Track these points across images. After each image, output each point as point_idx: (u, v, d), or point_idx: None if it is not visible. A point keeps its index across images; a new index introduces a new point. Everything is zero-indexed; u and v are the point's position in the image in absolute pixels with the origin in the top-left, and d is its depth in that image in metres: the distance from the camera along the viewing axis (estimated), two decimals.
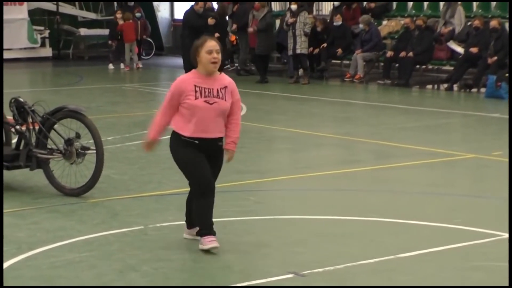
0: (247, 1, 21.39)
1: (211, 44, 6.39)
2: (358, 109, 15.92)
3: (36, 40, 25.94)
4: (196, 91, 6.34)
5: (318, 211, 7.78)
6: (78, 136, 8.33)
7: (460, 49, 18.27)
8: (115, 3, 27.84)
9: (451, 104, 16.13)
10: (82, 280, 5.80)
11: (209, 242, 6.39)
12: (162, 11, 28.82)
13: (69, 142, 8.32)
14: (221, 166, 6.61)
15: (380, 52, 19.78)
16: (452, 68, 18.42)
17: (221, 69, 6.76)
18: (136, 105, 16.32)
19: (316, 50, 20.15)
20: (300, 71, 19.68)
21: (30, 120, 8.56)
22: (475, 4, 20.09)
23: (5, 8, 24.57)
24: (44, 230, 7.08)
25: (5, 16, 24.30)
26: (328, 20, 21.18)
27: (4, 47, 24.40)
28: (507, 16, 18.36)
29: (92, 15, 27.87)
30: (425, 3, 21.14)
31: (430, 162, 10.11)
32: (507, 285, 5.63)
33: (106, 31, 25.39)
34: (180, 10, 26.14)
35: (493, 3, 19.72)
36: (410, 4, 21.52)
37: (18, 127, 8.54)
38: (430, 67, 19.66)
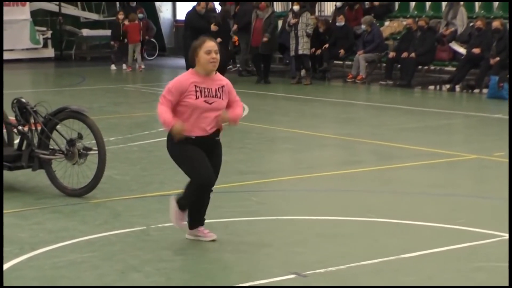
0: (248, 1, 21.41)
1: (210, 44, 6.44)
2: (360, 109, 15.92)
3: (38, 41, 25.97)
4: (196, 91, 6.39)
5: (320, 211, 7.78)
6: (80, 136, 8.34)
7: (462, 50, 18.27)
8: (117, 4, 27.87)
9: (453, 105, 16.13)
10: (84, 280, 5.81)
11: (206, 234, 6.62)
12: (164, 11, 28.84)
13: (71, 142, 8.33)
14: (220, 163, 6.63)
15: (382, 53, 19.77)
16: (454, 69, 18.41)
17: (223, 71, 6.78)
18: (138, 105, 16.33)
19: (318, 51, 20.15)
20: (302, 72, 19.69)
21: (32, 120, 8.57)
22: (477, 4, 20.09)
23: (7, 9, 24.61)
24: (47, 230, 7.09)
25: (7, 17, 24.33)
26: (330, 21, 21.20)
27: (7, 47, 24.44)
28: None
29: (94, 16, 27.90)
30: (427, 4, 21.14)
31: (432, 162, 10.11)
32: (508, 285, 5.63)
33: (108, 32, 25.40)
34: (182, 10, 26.17)
35: (495, 4, 19.71)
36: (412, 4, 21.52)
37: (20, 127, 8.55)
38: (432, 68, 19.65)
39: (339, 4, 21.29)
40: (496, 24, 17.31)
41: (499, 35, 17.07)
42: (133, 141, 11.53)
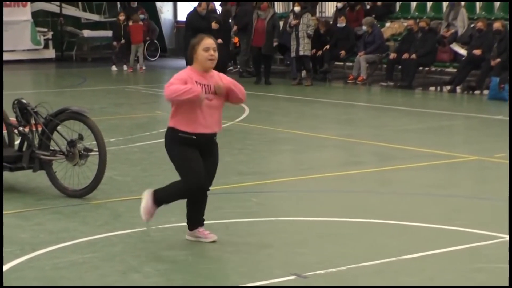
0: (249, 1, 21.42)
1: (208, 42, 6.47)
2: (361, 111, 15.93)
3: (39, 41, 25.99)
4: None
5: (321, 212, 7.78)
6: (81, 137, 8.34)
7: (463, 51, 18.28)
8: (118, 5, 27.88)
9: (454, 106, 16.13)
10: (85, 281, 5.81)
11: (208, 234, 6.63)
12: (165, 12, 28.86)
13: (72, 143, 8.33)
14: (217, 163, 6.64)
15: (383, 54, 19.79)
16: (455, 70, 18.43)
17: (224, 71, 6.80)
18: (139, 106, 16.34)
19: (319, 52, 20.17)
20: (303, 73, 19.70)
21: (33, 121, 8.57)
22: (478, 6, 20.09)
23: (8, 9, 24.64)
24: (47, 231, 7.09)
25: (8, 18, 24.36)
26: (331, 22, 21.21)
27: (8, 48, 24.47)
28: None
29: (95, 17, 27.92)
30: (428, 5, 21.15)
31: (432, 164, 10.11)
32: (508, 285, 5.63)
33: (109, 33, 25.44)
34: (183, 11, 26.19)
35: (496, 5, 19.72)
36: (413, 6, 21.53)
37: (21, 128, 8.55)
38: (433, 69, 19.66)
39: (340, 5, 21.30)
40: (497, 25, 17.32)
41: (500, 36, 17.07)
42: (134, 142, 11.54)
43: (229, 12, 21.89)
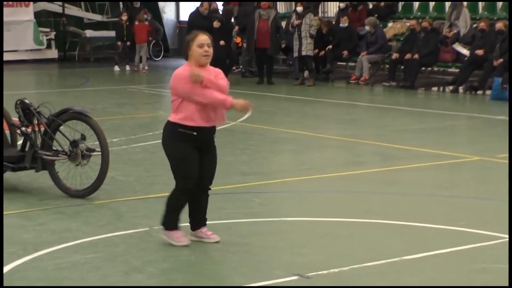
0: (249, 1, 21.43)
1: (203, 38, 6.48)
2: (363, 111, 15.92)
3: (42, 41, 26.00)
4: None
5: (323, 213, 7.78)
6: (83, 137, 8.34)
7: (465, 51, 18.27)
8: (121, 5, 27.90)
9: (456, 106, 16.12)
10: (87, 281, 5.81)
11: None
12: (168, 12, 28.86)
13: (74, 143, 8.33)
14: (215, 161, 6.62)
15: (386, 54, 19.78)
16: (457, 70, 18.41)
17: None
18: (141, 107, 16.35)
19: (322, 52, 20.15)
20: (306, 73, 19.70)
21: (35, 121, 8.57)
22: (480, 6, 20.08)
23: (11, 9, 24.66)
24: (50, 231, 7.09)
25: (11, 18, 24.38)
26: (334, 22, 21.20)
27: (10, 48, 24.50)
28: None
29: (98, 17, 27.92)
30: (431, 5, 21.14)
31: (435, 164, 10.11)
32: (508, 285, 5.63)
33: (112, 33, 25.46)
34: (186, 11, 26.19)
35: (499, 5, 19.70)
36: (416, 6, 21.52)
37: (23, 128, 8.56)
38: (435, 69, 19.65)
39: (342, 5, 21.29)
40: (499, 25, 17.30)
41: (502, 37, 17.06)
42: (136, 142, 11.54)
43: (231, 12, 21.89)
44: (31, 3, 25.67)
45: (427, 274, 5.95)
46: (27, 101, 8.61)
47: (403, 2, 21.98)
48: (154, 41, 26.03)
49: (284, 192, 8.84)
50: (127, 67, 23.24)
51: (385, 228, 7.23)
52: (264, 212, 7.86)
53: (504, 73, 16.46)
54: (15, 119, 8.87)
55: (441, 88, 18.77)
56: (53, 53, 26.58)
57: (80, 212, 7.77)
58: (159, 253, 6.45)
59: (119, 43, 23.20)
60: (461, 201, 8.30)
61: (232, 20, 21.63)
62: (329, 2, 24.19)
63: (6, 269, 6.01)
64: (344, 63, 21.39)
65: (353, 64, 20.51)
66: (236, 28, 21.24)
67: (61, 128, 8.55)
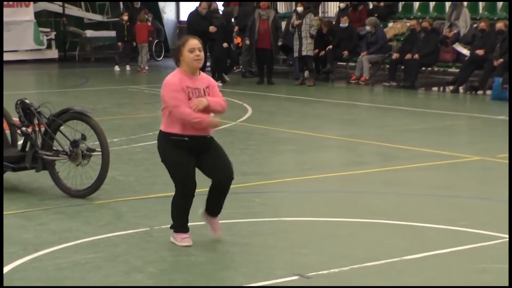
0: (249, 1, 21.42)
1: (193, 42, 6.48)
2: (364, 111, 15.92)
3: (42, 42, 26.01)
4: (188, 92, 6.42)
5: (323, 213, 7.78)
6: (83, 137, 8.34)
7: (466, 51, 18.27)
8: (121, 5, 27.90)
9: (456, 106, 16.11)
10: (88, 281, 5.81)
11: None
12: (168, 13, 28.87)
13: (74, 143, 8.33)
14: (220, 154, 6.60)
15: (386, 54, 19.78)
16: (458, 70, 18.41)
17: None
18: (141, 106, 16.35)
19: (322, 52, 20.16)
20: (306, 73, 19.70)
21: (36, 121, 8.58)
22: (480, 6, 20.08)
23: (11, 9, 24.67)
24: (50, 231, 7.09)
25: (11, 18, 24.39)
26: (334, 22, 21.20)
27: (10, 48, 24.51)
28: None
29: (98, 17, 27.94)
30: (431, 5, 21.14)
31: (435, 164, 10.11)
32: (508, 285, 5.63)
33: (112, 33, 25.47)
34: (186, 12, 26.20)
35: (499, 5, 19.70)
36: (416, 6, 21.52)
37: (24, 128, 8.56)
38: (436, 69, 19.65)
39: (342, 5, 21.29)
40: (499, 25, 17.30)
41: (502, 37, 17.06)
42: (137, 142, 11.54)
43: (231, 14, 21.90)
44: (32, 3, 25.67)
45: (427, 274, 5.95)
46: (27, 101, 8.61)
47: (403, 2, 21.98)
48: (157, 41, 26.06)
49: (285, 192, 8.85)
50: (127, 67, 23.24)
51: (385, 228, 7.23)
52: (264, 212, 7.86)
53: (504, 73, 16.45)
54: (15, 119, 8.87)
55: (442, 88, 18.77)
56: (54, 53, 26.59)
57: (81, 212, 7.77)
58: (159, 253, 6.45)
59: (119, 43, 23.20)
60: (462, 201, 8.30)
61: (232, 20, 21.63)
62: (329, 2, 24.20)
63: (6, 269, 6.02)
64: (344, 63, 21.39)
65: (353, 64, 20.52)
66: (236, 28, 21.24)
67: (62, 128, 8.55)
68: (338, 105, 16.50)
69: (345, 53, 20.13)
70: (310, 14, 19.44)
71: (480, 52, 17.41)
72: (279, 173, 9.73)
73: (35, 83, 22.03)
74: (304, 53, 19.22)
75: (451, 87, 18.07)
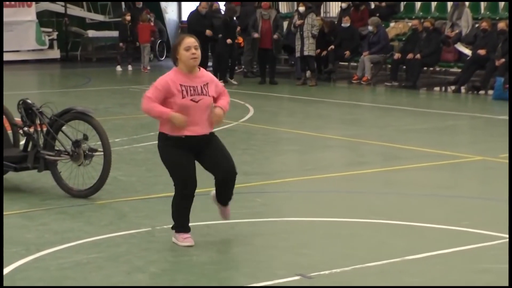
0: (250, 1, 21.41)
1: (189, 40, 6.50)
2: (366, 111, 15.92)
3: (44, 42, 26.03)
4: (182, 90, 6.43)
5: (325, 213, 7.78)
6: (85, 137, 8.35)
7: (467, 51, 18.26)
8: (123, 5, 27.92)
9: (458, 106, 16.11)
10: (89, 281, 5.82)
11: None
12: (170, 12, 28.88)
13: (76, 143, 8.34)
14: (223, 148, 6.61)
15: (388, 54, 19.77)
16: (459, 70, 18.41)
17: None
18: None
19: (324, 52, 20.16)
20: (308, 73, 19.70)
21: (38, 121, 8.58)
22: (482, 5, 20.07)
23: (13, 10, 24.70)
24: (52, 231, 7.10)
25: (13, 18, 24.41)
26: (336, 22, 21.20)
27: (12, 48, 24.54)
28: None
29: (100, 17, 27.96)
30: (433, 5, 21.13)
31: (437, 164, 10.10)
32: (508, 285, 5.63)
33: (114, 33, 25.49)
34: (188, 12, 26.21)
35: (501, 5, 19.69)
36: (418, 6, 21.52)
37: (26, 128, 8.57)
38: (437, 69, 19.65)
39: (344, 5, 21.29)
40: (501, 25, 17.30)
41: (504, 37, 17.05)
42: (139, 142, 11.55)
43: (234, 10, 21.89)
44: (33, 3, 25.69)
45: (429, 274, 5.96)
46: (29, 101, 8.62)
47: (405, 2, 21.97)
48: (160, 41, 26.07)
49: (286, 192, 8.85)
50: (129, 67, 23.26)
51: (387, 228, 7.23)
52: (266, 212, 7.86)
53: (506, 73, 16.45)
54: (17, 119, 8.88)
55: (443, 88, 18.76)
56: (55, 53, 26.60)
57: (83, 212, 7.78)
58: (161, 253, 6.46)
59: (121, 44, 23.20)
60: (463, 201, 8.30)
61: (235, 18, 21.63)
62: (331, 2, 24.20)
63: (8, 269, 6.02)
64: (346, 63, 21.40)
65: (355, 64, 20.52)
66: (238, 28, 21.24)
67: (64, 128, 8.56)
68: (340, 105, 16.50)
69: (347, 53, 20.13)
70: (312, 14, 19.44)
71: (482, 52, 17.41)
72: (281, 173, 9.73)
73: (37, 83, 22.05)
74: (306, 53, 19.23)
75: (453, 87, 18.06)
